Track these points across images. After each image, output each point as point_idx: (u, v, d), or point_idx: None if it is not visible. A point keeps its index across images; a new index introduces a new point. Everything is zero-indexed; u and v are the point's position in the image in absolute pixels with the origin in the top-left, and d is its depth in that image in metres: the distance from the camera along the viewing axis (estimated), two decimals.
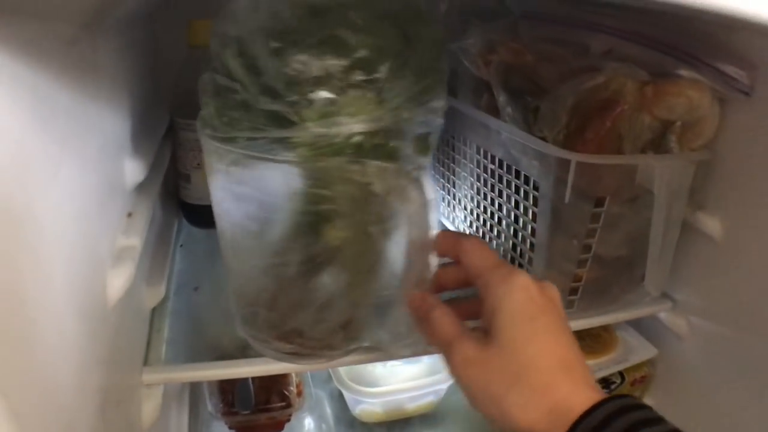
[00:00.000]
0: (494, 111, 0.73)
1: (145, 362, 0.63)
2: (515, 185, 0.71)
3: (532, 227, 0.70)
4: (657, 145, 0.67)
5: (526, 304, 0.48)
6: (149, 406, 0.63)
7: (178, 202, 0.89)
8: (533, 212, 0.69)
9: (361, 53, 0.48)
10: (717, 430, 0.74)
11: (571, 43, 0.73)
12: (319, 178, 0.50)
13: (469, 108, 0.78)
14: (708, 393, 0.76)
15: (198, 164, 0.81)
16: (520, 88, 0.70)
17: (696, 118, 0.65)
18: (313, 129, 0.47)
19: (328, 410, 0.93)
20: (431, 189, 0.53)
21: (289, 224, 0.53)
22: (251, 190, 0.53)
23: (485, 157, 0.77)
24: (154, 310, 0.70)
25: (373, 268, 0.57)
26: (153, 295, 0.68)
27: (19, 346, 0.33)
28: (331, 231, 0.53)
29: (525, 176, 0.69)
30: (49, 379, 0.37)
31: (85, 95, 0.47)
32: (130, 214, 0.61)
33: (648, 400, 0.85)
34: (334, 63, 0.47)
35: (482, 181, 0.79)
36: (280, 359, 0.61)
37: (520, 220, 0.72)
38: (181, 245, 0.84)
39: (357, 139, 0.49)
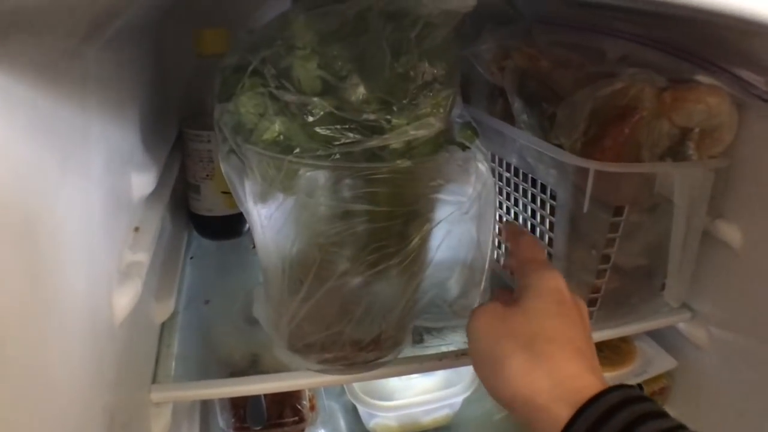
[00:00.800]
0: (509, 118, 0.73)
1: (154, 379, 0.62)
2: (531, 194, 0.71)
3: (549, 237, 0.69)
4: (675, 152, 0.66)
5: (556, 292, 0.49)
6: (158, 426, 0.61)
7: (187, 214, 0.87)
8: (550, 222, 0.68)
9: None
10: None
11: (587, 48, 0.72)
12: (407, 179, 0.52)
13: (483, 115, 0.77)
14: (728, 404, 0.75)
15: (207, 175, 0.80)
16: (536, 94, 0.70)
17: (715, 125, 0.65)
18: (411, 132, 0.50)
19: (342, 424, 0.92)
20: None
21: (368, 234, 0.53)
22: (332, 204, 0.52)
23: (500, 165, 0.76)
24: (163, 325, 0.68)
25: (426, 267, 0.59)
26: (162, 311, 0.67)
27: (23, 367, 0.32)
28: (415, 231, 0.55)
29: (542, 185, 0.69)
30: (55, 401, 0.36)
31: (88, 109, 0.46)
32: (137, 229, 0.60)
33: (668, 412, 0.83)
34: (435, 71, 0.51)
35: (497, 190, 0.77)
36: (326, 371, 0.61)
37: (537, 230, 0.71)
38: (192, 257, 0.83)
39: (434, 136, 0.52)
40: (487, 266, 0.60)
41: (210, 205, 0.83)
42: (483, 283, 0.61)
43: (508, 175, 0.74)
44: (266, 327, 0.63)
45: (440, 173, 0.54)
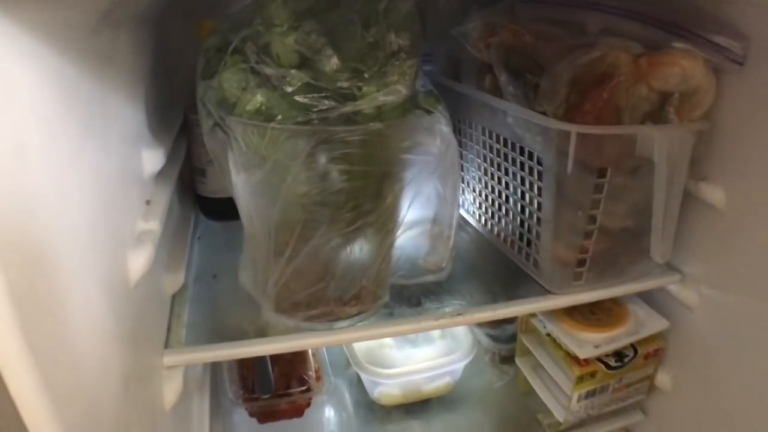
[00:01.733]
0: (497, 92, 0.77)
1: (166, 346, 0.66)
2: (520, 162, 0.74)
3: (538, 202, 0.73)
4: (656, 117, 0.70)
5: None
6: (170, 389, 0.66)
7: (194, 197, 0.92)
8: (539, 187, 0.72)
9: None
10: (733, 399, 0.77)
11: (568, 22, 0.76)
12: (379, 141, 0.58)
13: (473, 90, 0.81)
14: (722, 363, 0.78)
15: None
16: (520, 67, 0.73)
17: (692, 88, 0.68)
18: (380, 98, 0.56)
19: (347, 396, 0.96)
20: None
21: (345, 193, 0.58)
22: (312, 166, 0.57)
23: (491, 138, 0.80)
24: (173, 297, 0.73)
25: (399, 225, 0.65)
26: (172, 282, 0.72)
27: (50, 316, 0.36)
28: (388, 190, 0.61)
29: (529, 152, 0.73)
30: (77, 350, 0.40)
31: (105, 85, 0.52)
32: (148, 202, 0.65)
33: (663, 374, 0.88)
34: (401, 41, 0.58)
35: (489, 161, 0.82)
36: (312, 328, 0.66)
37: (527, 196, 0.75)
38: (199, 238, 0.88)
39: (401, 102, 0.58)
40: (454, 222, 0.66)
41: (215, 187, 0.88)
42: (451, 239, 0.66)
43: (498, 146, 0.79)
44: (253, 292, 0.69)
45: (408, 135, 0.60)
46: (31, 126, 0.35)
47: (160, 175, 0.69)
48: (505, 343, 1.00)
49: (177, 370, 0.67)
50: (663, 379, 0.88)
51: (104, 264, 0.48)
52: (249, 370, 0.87)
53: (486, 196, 0.87)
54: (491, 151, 0.81)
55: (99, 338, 0.44)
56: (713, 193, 0.74)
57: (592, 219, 0.70)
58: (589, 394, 0.83)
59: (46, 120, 0.37)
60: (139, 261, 0.56)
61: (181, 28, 0.85)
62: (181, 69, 0.83)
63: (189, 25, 0.82)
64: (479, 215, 0.91)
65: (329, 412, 0.94)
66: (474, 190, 0.91)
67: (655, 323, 0.84)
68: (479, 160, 0.86)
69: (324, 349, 1.00)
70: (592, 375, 0.81)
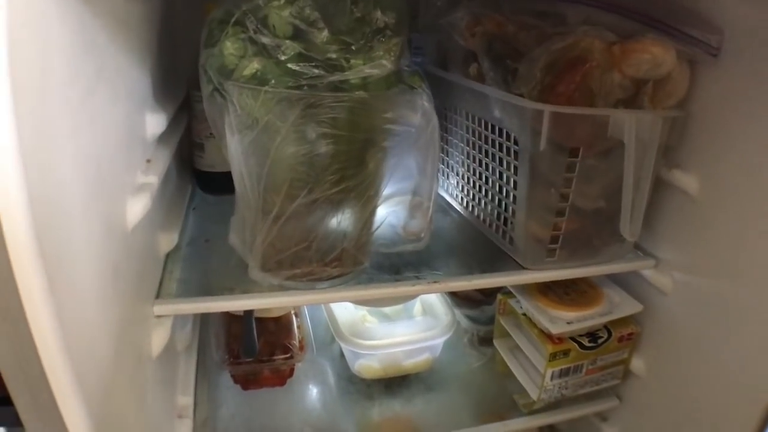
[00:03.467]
0: (481, 79, 0.85)
1: (157, 297, 0.73)
2: (499, 143, 0.82)
3: (514, 181, 0.80)
4: (631, 104, 0.77)
5: None
6: (158, 336, 0.73)
7: (192, 171, 1.00)
8: (515, 166, 0.79)
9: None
10: (706, 383, 0.82)
11: (550, 13, 0.84)
12: (364, 109, 0.65)
13: (458, 77, 0.89)
14: (695, 347, 0.84)
15: (211, 133, 0.93)
16: (502, 54, 0.81)
17: (663, 76, 0.75)
18: (366, 70, 0.64)
19: (329, 370, 1.03)
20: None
21: (330, 156, 0.66)
22: (301, 128, 0.64)
23: (473, 122, 0.88)
24: (167, 256, 0.80)
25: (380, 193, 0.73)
26: (167, 241, 0.80)
27: (64, 248, 0.43)
28: (370, 158, 0.68)
29: (507, 133, 0.80)
30: (82, 282, 0.47)
31: (118, 42, 0.60)
32: (149, 160, 0.72)
33: (637, 359, 0.94)
34: (387, 19, 0.66)
35: (471, 145, 0.90)
36: (294, 287, 0.73)
37: (504, 176, 0.82)
38: (194, 208, 0.96)
39: (386, 76, 0.65)
40: (433, 194, 0.73)
41: (212, 161, 0.97)
42: (430, 210, 0.74)
43: (480, 129, 0.86)
44: (241, 251, 0.76)
45: (391, 106, 0.67)
46: (55, 54, 0.42)
47: (161, 139, 0.78)
48: (483, 324, 1.07)
49: (166, 319, 0.74)
50: (638, 364, 0.95)
51: (106, 203, 0.55)
52: (235, 338, 0.94)
53: (468, 179, 0.94)
54: (474, 134, 0.89)
55: (98, 273, 0.51)
56: (687, 181, 0.82)
57: (565, 197, 0.78)
58: (563, 373, 0.90)
59: (67, 53, 0.45)
60: (136, 207, 0.63)
61: (187, 8, 0.94)
62: (187, 49, 0.90)
63: (194, 5, 0.90)
64: (462, 198, 0.99)
65: (311, 384, 1.01)
66: (457, 174, 0.98)
67: (628, 306, 0.91)
68: (463, 145, 0.93)
69: (309, 323, 1.06)
70: (566, 353, 0.88)
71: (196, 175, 1.01)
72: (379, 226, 0.76)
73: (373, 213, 0.74)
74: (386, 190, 0.73)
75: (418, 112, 0.70)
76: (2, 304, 0.38)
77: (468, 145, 0.92)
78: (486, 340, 1.06)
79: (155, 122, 0.75)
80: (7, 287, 0.38)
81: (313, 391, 1.00)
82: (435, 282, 0.77)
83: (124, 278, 0.60)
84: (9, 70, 0.34)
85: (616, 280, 0.95)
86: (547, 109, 0.71)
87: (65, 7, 0.44)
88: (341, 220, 0.71)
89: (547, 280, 0.84)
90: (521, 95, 0.76)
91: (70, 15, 0.45)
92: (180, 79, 0.95)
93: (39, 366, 0.41)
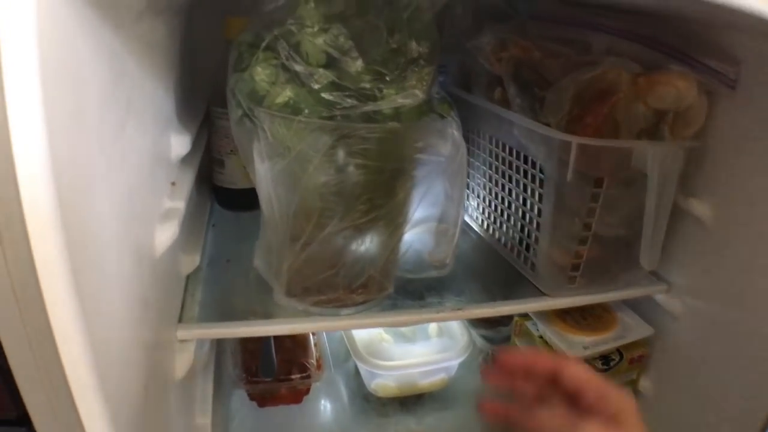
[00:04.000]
0: (505, 104, 0.83)
1: (180, 320, 0.72)
2: (523, 170, 0.80)
3: (538, 208, 0.79)
4: (651, 134, 0.76)
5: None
6: (182, 360, 0.71)
7: (211, 187, 0.98)
8: (539, 194, 0.78)
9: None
10: (712, 407, 0.82)
11: (575, 41, 0.82)
12: (395, 139, 0.64)
13: (483, 101, 0.88)
14: (703, 371, 0.83)
15: (232, 150, 0.91)
16: (529, 80, 0.80)
17: (685, 107, 0.74)
18: (399, 100, 0.62)
19: (344, 387, 1.02)
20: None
21: (361, 186, 0.64)
22: (333, 158, 0.63)
23: (497, 146, 0.86)
24: (188, 277, 0.78)
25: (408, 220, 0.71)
26: (188, 263, 0.78)
27: (96, 276, 0.41)
28: (400, 186, 0.67)
29: (532, 161, 0.79)
30: (114, 310, 0.45)
31: (145, 68, 0.58)
32: (173, 183, 0.71)
33: (645, 380, 0.93)
34: (421, 49, 0.65)
35: (494, 169, 0.89)
36: (320, 313, 0.72)
37: (528, 202, 0.81)
38: (214, 225, 0.94)
39: (418, 105, 0.64)
40: (459, 221, 0.72)
41: (233, 178, 0.94)
42: (455, 237, 0.72)
43: (503, 154, 0.85)
44: (266, 276, 0.75)
45: (422, 136, 0.66)
46: (89, 94, 0.40)
47: (184, 160, 0.75)
48: (498, 344, 1.06)
49: (189, 343, 0.72)
50: (645, 384, 0.94)
51: (137, 233, 0.53)
52: (252, 356, 0.92)
53: (489, 202, 0.93)
54: (497, 159, 0.87)
55: (129, 303, 0.50)
56: (701, 209, 0.81)
57: (588, 226, 0.76)
58: None
59: (100, 91, 0.43)
60: (165, 234, 0.62)
61: (206, 23, 0.92)
62: (207, 64, 0.88)
63: (213, 21, 0.89)
64: (482, 220, 0.97)
65: (326, 401, 1.00)
66: (478, 196, 0.97)
67: (640, 329, 0.90)
68: (485, 168, 0.92)
69: (326, 341, 1.05)
70: None
71: (215, 192, 0.99)
72: (405, 253, 0.74)
73: (400, 240, 0.72)
74: (413, 217, 0.72)
75: (449, 141, 0.68)
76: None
77: (490, 169, 0.90)
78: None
79: (180, 143, 0.73)
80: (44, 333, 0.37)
81: (329, 409, 0.99)
82: (458, 309, 0.76)
83: (152, 305, 0.58)
84: (45, 117, 0.33)
85: (628, 303, 0.94)
86: (576, 140, 0.70)
87: (96, 40, 0.42)
88: (369, 247, 0.69)
89: (568, 306, 0.83)
90: (548, 124, 0.75)
91: (101, 47, 0.43)
92: (200, 94, 0.93)
93: (69, 397, 0.40)
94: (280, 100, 0.63)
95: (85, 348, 0.38)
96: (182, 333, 0.70)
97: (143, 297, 0.54)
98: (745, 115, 0.74)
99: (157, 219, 0.62)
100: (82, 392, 0.40)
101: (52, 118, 0.33)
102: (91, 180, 0.41)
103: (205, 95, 0.93)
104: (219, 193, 0.99)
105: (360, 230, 0.67)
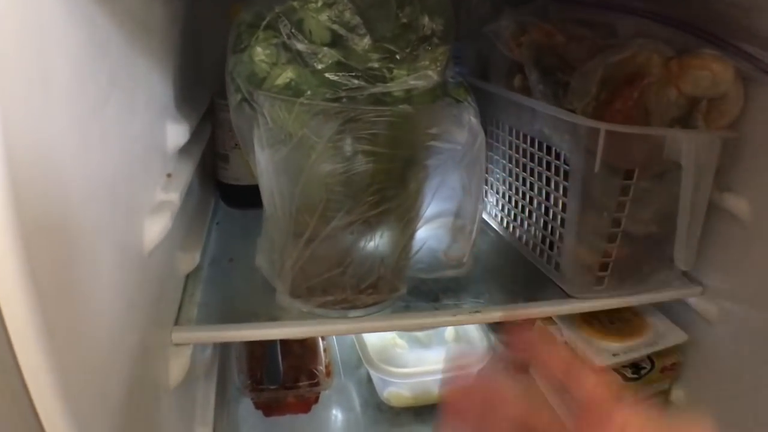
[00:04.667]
0: (526, 92, 0.77)
1: (176, 323, 0.65)
2: (546, 162, 0.74)
3: (563, 203, 0.72)
4: (684, 123, 0.69)
5: None
6: (177, 366, 0.65)
7: (215, 184, 0.92)
8: (564, 187, 0.71)
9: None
10: (749, 418, 0.74)
11: (600, 24, 0.76)
12: (407, 124, 0.57)
13: (502, 90, 0.81)
14: (740, 379, 0.76)
15: (236, 144, 0.85)
16: (551, 66, 0.73)
17: (720, 94, 0.68)
18: (411, 82, 0.55)
19: (356, 395, 0.95)
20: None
21: (369, 175, 0.57)
22: (338, 144, 0.56)
23: (517, 138, 0.80)
24: (188, 277, 0.73)
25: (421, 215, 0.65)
26: (187, 262, 0.72)
27: (62, 275, 0.35)
28: (412, 176, 0.61)
29: (556, 152, 0.72)
30: (88, 313, 0.39)
31: (135, 47, 0.52)
32: (169, 175, 0.64)
33: (679, 389, 0.86)
34: (434, 26, 0.58)
35: (514, 162, 0.82)
36: (326, 315, 0.65)
37: (552, 197, 0.74)
38: (218, 223, 0.88)
39: (431, 88, 0.57)
40: (477, 216, 0.65)
41: (237, 174, 0.88)
42: (473, 234, 0.65)
43: (524, 146, 0.78)
44: (269, 275, 0.69)
45: (436, 121, 0.60)
46: (57, 60, 0.34)
47: (183, 151, 0.69)
48: None
49: (185, 348, 0.66)
50: (678, 394, 0.86)
51: (120, 225, 0.47)
52: (258, 362, 0.86)
53: (510, 197, 0.86)
54: (517, 151, 0.80)
55: (110, 302, 0.43)
56: (737, 204, 0.74)
57: (617, 222, 0.69)
58: None
59: (72, 60, 0.37)
60: (155, 229, 0.55)
61: (213, 13, 0.86)
62: (211, 54, 0.83)
63: (218, 9, 0.83)
64: (501, 218, 0.90)
65: (336, 411, 0.93)
66: (497, 192, 0.90)
67: (673, 335, 0.82)
68: (504, 161, 0.85)
69: (336, 346, 0.98)
70: None
71: (219, 188, 0.93)
72: (418, 251, 0.67)
73: (412, 236, 0.65)
74: (427, 212, 0.65)
75: (465, 127, 0.61)
76: None
77: (510, 162, 0.83)
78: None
79: (177, 133, 0.66)
80: None
81: (339, 419, 0.92)
82: (477, 312, 0.69)
83: (140, 306, 0.52)
84: None
85: (659, 306, 0.86)
86: (605, 127, 0.63)
87: (70, 5, 0.36)
88: (379, 244, 0.62)
89: (595, 309, 0.75)
90: (573, 111, 0.68)
91: (76, 13, 0.37)
92: (204, 85, 0.87)
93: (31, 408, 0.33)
94: (280, 81, 0.56)
95: (46, 352, 0.32)
96: (178, 336, 0.64)
97: (128, 295, 0.48)
98: None
99: (147, 212, 0.55)
100: (44, 404, 0.34)
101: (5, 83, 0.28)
102: (61, 156, 0.34)
103: (209, 87, 0.87)
104: (223, 190, 0.93)
105: (369, 225, 0.60)
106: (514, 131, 0.80)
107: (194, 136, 0.73)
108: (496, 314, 0.70)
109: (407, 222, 0.63)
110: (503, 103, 0.80)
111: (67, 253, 0.36)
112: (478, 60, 0.89)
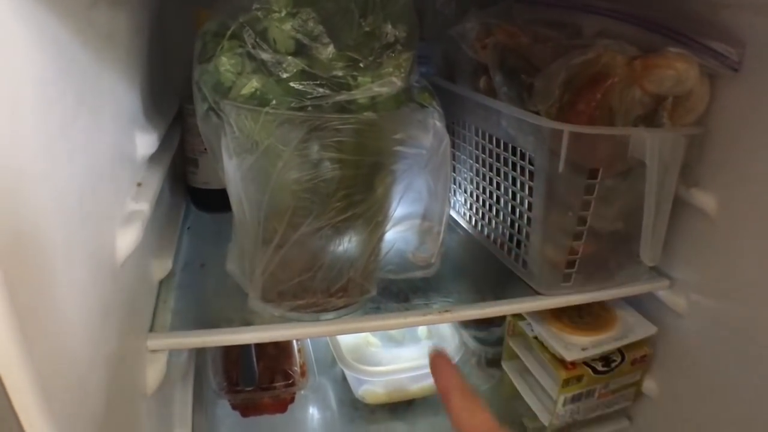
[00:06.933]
0: (492, 93, 0.78)
1: (151, 330, 0.67)
2: (512, 162, 0.76)
3: (529, 202, 0.74)
4: (650, 120, 0.71)
5: None
6: (153, 372, 0.66)
7: (185, 188, 0.93)
8: (530, 187, 0.73)
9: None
10: (720, 407, 0.77)
11: (565, 24, 0.78)
12: (372, 131, 0.58)
13: (467, 91, 0.82)
14: (709, 370, 0.78)
15: (206, 149, 0.85)
16: (516, 67, 0.75)
17: (685, 92, 0.69)
18: (375, 89, 0.57)
19: (331, 394, 0.97)
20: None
21: (336, 181, 0.59)
22: (304, 152, 0.58)
23: (483, 138, 0.81)
24: (161, 283, 0.74)
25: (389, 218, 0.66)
26: (160, 268, 0.73)
27: (38, 289, 0.37)
28: (379, 182, 0.62)
29: (521, 152, 0.74)
30: (62, 324, 0.40)
31: (102, 61, 0.53)
32: (139, 184, 0.65)
33: (650, 381, 0.88)
34: (397, 33, 0.59)
35: (481, 162, 0.83)
36: (298, 318, 0.67)
37: (518, 196, 0.76)
38: (189, 228, 0.89)
39: (396, 94, 0.59)
40: (444, 218, 0.67)
41: (207, 178, 0.90)
42: (441, 235, 0.67)
43: (490, 146, 0.80)
44: (240, 281, 0.70)
45: (401, 127, 0.61)
46: (26, 81, 0.35)
47: (153, 159, 0.70)
48: (491, 346, 1.01)
49: (160, 354, 0.67)
50: (650, 385, 0.89)
51: (92, 238, 0.48)
52: (233, 364, 0.88)
53: (477, 197, 0.88)
54: (484, 151, 0.82)
55: (84, 314, 0.45)
56: (705, 200, 0.76)
57: (582, 220, 0.71)
58: (575, 399, 0.84)
59: (40, 80, 0.38)
60: (126, 239, 0.56)
61: (180, 18, 0.86)
62: (179, 59, 0.83)
63: (187, 16, 0.83)
64: (470, 216, 0.92)
65: (312, 410, 0.95)
66: (465, 191, 0.92)
67: (643, 328, 0.85)
68: (471, 161, 0.87)
69: (310, 346, 1.00)
70: (579, 379, 0.82)
71: (190, 192, 0.94)
72: (387, 253, 0.69)
73: (381, 239, 0.67)
74: (395, 214, 0.66)
75: (430, 132, 0.63)
76: None
77: (477, 162, 0.85)
78: (494, 362, 1.00)
79: (146, 142, 0.67)
80: None
81: (315, 417, 0.93)
82: (446, 311, 0.71)
83: (115, 315, 0.53)
84: None
85: (629, 300, 0.89)
86: (568, 128, 0.65)
87: (36, 27, 0.37)
88: (347, 248, 0.64)
89: (563, 305, 0.77)
90: (537, 113, 0.70)
91: (42, 36, 0.38)
92: (172, 92, 0.87)
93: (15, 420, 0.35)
94: (245, 91, 0.57)
95: (25, 363, 0.34)
96: (153, 343, 0.65)
97: (103, 306, 0.49)
98: (750, 100, 0.69)
99: (118, 223, 0.56)
100: (26, 415, 0.35)
101: None
102: (30, 179, 0.36)
103: (178, 92, 0.88)
104: (194, 195, 0.94)
105: (337, 230, 0.62)
106: (480, 132, 0.82)
107: (163, 142, 0.74)
108: (466, 313, 0.72)
109: (375, 226, 0.64)
110: (469, 104, 0.82)
111: (39, 268, 0.37)
112: (444, 61, 0.90)
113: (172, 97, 0.87)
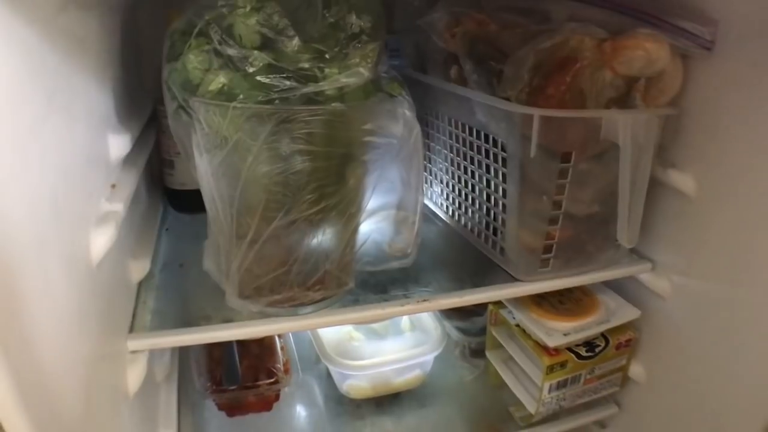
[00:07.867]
0: (463, 82, 0.79)
1: (131, 330, 0.68)
2: (485, 149, 0.77)
3: (503, 188, 0.75)
4: (623, 103, 0.72)
5: None
6: (134, 373, 0.67)
7: (162, 189, 0.95)
8: (503, 173, 0.74)
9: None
10: (707, 388, 0.78)
11: (533, 11, 0.79)
12: (341, 122, 0.60)
13: (439, 81, 0.84)
14: (694, 351, 0.80)
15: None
16: (485, 55, 0.76)
17: (657, 73, 0.71)
18: (342, 80, 0.58)
19: (317, 390, 0.98)
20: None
21: (307, 174, 0.60)
22: (273, 145, 0.59)
23: (457, 128, 0.83)
24: (140, 284, 0.75)
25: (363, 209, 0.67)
26: (138, 269, 0.74)
27: (9, 292, 0.37)
28: (350, 173, 0.63)
29: (494, 139, 0.75)
30: (37, 328, 0.41)
31: (72, 63, 0.54)
32: (114, 185, 0.66)
33: (636, 365, 0.90)
34: (362, 23, 0.61)
35: (455, 152, 0.85)
36: (276, 314, 0.68)
37: (492, 184, 0.77)
38: (167, 229, 0.90)
39: (364, 85, 0.60)
40: (419, 207, 0.68)
41: (184, 179, 0.91)
42: (416, 224, 0.69)
43: (464, 135, 0.81)
44: (217, 278, 0.71)
45: (371, 117, 0.62)
46: None
47: (127, 161, 0.71)
48: (474, 336, 1.02)
49: (141, 355, 0.68)
50: (637, 370, 0.90)
51: (65, 239, 0.49)
52: (217, 364, 0.89)
53: (453, 186, 0.89)
54: (457, 141, 0.84)
55: (59, 316, 0.46)
56: (683, 181, 0.77)
57: (557, 205, 0.73)
58: (561, 385, 0.85)
59: (6, 86, 0.39)
60: (101, 240, 0.57)
61: (153, 21, 0.87)
62: (153, 62, 0.84)
63: (160, 18, 0.84)
64: (447, 206, 0.94)
65: (298, 407, 0.96)
66: (441, 182, 0.93)
67: (626, 312, 0.86)
68: (446, 151, 0.88)
69: (293, 343, 1.01)
70: (563, 365, 0.83)
71: (167, 194, 0.95)
72: (363, 245, 0.70)
73: (355, 231, 0.68)
74: (369, 206, 0.68)
75: (400, 121, 0.64)
76: None
77: (452, 152, 0.86)
78: (478, 352, 1.01)
79: (119, 144, 0.68)
80: None
81: (302, 414, 0.94)
82: (425, 300, 0.72)
83: (92, 317, 0.54)
84: None
85: (611, 285, 0.90)
86: (537, 113, 0.66)
87: (4, 32, 0.38)
88: (322, 241, 0.65)
89: (542, 291, 0.79)
90: (508, 99, 0.71)
91: (10, 40, 0.39)
92: (146, 93, 0.89)
93: None
94: (213, 87, 0.59)
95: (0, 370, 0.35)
96: (133, 344, 0.66)
97: (79, 307, 0.50)
98: (725, 78, 0.71)
99: (92, 224, 0.57)
100: (2, 418, 0.37)
101: None
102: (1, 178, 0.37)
103: (152, 94, 0.89)
104: (171, 196, 0.95)
105: (310, 222, 0.63)
106: (453, 121, 0.84)
107: (138, 144, 0.75)
108: (444, 302, 0.74)
109: (349, 217, 0.66)
110: (441, 94, 0.84)
111: (11, 268, 0.38)
112: (416, 52, 0.92)
113: (146, 99, 0.88)
